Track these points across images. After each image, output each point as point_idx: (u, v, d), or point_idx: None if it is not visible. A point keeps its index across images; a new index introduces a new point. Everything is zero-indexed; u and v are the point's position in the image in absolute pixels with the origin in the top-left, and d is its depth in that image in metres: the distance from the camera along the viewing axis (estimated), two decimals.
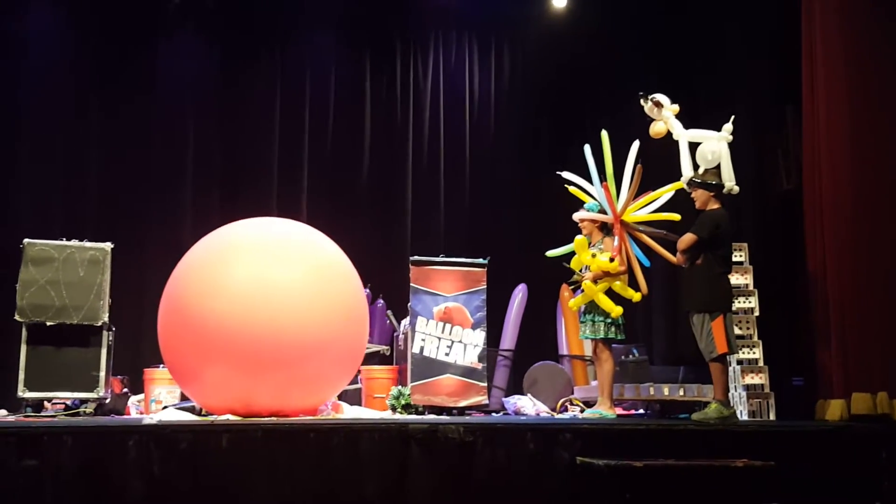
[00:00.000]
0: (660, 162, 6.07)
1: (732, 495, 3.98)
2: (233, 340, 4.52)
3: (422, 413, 5.67)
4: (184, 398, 5.51)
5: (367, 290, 7.46)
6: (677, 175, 5.57)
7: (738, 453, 4.17)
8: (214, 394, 4.74)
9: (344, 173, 8.10)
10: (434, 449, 4.02)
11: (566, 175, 5.88)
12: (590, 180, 5.80)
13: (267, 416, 4.63)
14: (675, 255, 5.23)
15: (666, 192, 5.67)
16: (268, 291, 4.57)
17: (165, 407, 5.39)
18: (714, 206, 5.14)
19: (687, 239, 5.03)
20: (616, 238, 5.58)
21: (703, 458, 4.13)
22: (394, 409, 5.72)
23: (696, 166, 5.51)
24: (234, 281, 4.61)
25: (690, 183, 5.25)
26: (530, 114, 8.43)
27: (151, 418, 4.55)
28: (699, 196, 5.18)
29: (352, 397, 6.07)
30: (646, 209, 5.72)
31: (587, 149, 5.78)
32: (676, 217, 5.61)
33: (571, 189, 5.87)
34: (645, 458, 4.01)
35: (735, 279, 5.79)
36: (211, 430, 3.93)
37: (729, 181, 5.31)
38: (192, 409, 5.02)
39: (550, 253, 5.93)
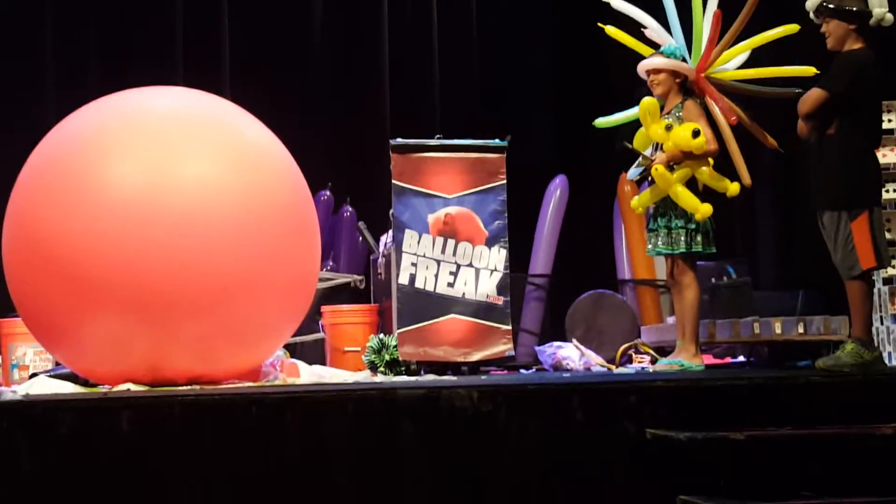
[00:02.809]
0: None
1: (877, 475, 4.01)
2: (121, 276, 4.51)
3: (416, 373, 5.76)
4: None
5: (327, 193, 7.55)
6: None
7: (886, 415, 4.20)
8: (101, 356, 4.75)
9: (284, 19, 8.07)
10: (435, 425, 4.05)
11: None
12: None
13: (184, 383, 4.69)
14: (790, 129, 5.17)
15: (777, 35, 5.63)
16: (166, 200, 4.57)
17: (35, 374, 5.45)
18: (855, 44, 5.05)
19: (813, 97, 4.97)
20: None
21: (834, 423, 4.17)
22: (374, 368, 5.81)
23: None
24: (113, 186, 4.61)
25: (819, 9, 5.13)
26: None
27: (13, 391, 4.58)
28: (832, 30, 5.09)
29: (310, 353, 6.16)
30: (742, 57, 5.69)
31: None
32: (811, 70, 5.51)
33: (612, 33, 5.73)
34: (748, 428, 4.03)
35: (886, 156, 5.76)
36: (104, 407, 3.96)
37: (879, 6, 5.16)
38: (73, 377, 5.09)
39: (600, 122, 5.88)
